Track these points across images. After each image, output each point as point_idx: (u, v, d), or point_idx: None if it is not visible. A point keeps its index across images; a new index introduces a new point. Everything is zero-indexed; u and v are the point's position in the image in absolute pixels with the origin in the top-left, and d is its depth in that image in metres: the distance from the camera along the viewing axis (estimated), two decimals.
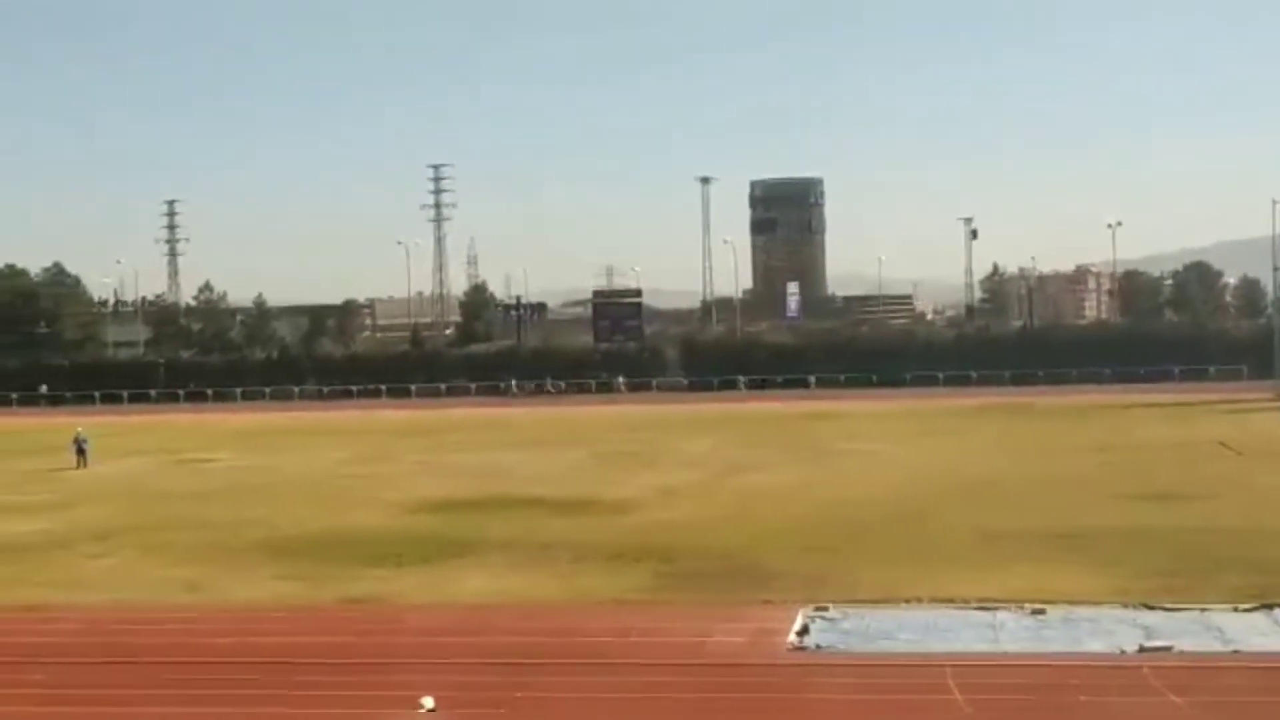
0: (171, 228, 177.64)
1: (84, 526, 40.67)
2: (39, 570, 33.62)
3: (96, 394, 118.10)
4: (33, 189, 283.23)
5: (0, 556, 35.65)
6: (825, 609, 26.29)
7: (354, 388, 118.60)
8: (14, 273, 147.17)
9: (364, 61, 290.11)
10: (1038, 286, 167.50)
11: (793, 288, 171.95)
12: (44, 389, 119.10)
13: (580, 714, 20.42)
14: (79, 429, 63.52)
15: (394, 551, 34.46)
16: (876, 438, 63.59)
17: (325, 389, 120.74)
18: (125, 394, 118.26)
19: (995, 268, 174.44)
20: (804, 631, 24.84)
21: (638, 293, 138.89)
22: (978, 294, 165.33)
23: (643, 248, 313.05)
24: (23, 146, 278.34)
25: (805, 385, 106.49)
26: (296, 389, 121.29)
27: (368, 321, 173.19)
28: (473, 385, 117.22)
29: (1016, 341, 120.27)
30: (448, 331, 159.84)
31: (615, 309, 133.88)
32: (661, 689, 21.67)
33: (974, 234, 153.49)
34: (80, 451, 60.00)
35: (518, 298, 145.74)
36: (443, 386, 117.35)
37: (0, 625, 27.31)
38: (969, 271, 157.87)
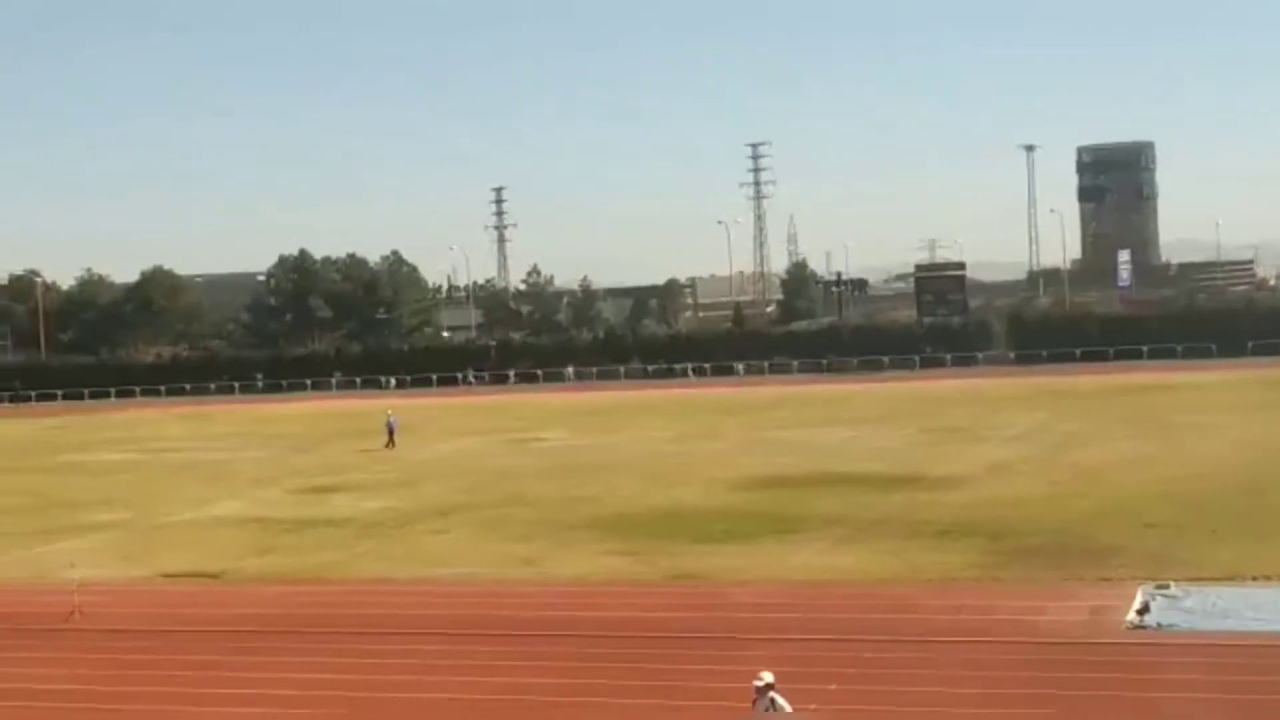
0: (500, 214, 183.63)
1: (425, 504, 42.27)
2: (387, 546, 35.13)
3: (433, 376, 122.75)
4: (373, 180, 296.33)
5: (353, 532, 37.41)
6: (1166, 586, 25.32)
7: (677, 366, 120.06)
8: (355, 262, 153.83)
9: (683, 44, 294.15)
10: None
11: (1124, 256, 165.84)
12: (392, 381, 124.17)
13: (911, 690, 20.16)
14: (389, 411, 66.13)
15: (721, 528, 34.72)
16: (1217, 410, 60.78)
17: (650, 368, 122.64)
18: (459, 376, 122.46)
19: None
20: (1144, 610, 23.98)
21: (961, 266, 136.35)
22: None
23: (966, 220, 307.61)
24: (361, 139, 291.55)
25: (1139, 357, 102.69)
26: (622, 369, 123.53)
27: (689, 301, 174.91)
28: (795, 363, 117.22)
29: None
30: (769, 310, 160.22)
31: (938, 283, 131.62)
32: (993, 666, 21.26)
33: None
34: (390, 432, 62.41)
35: (839, 274, 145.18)
36: (765, 364, 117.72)
37: (355, 598, 28.66)
38: None
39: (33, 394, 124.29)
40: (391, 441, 61.48)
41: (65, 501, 46.71)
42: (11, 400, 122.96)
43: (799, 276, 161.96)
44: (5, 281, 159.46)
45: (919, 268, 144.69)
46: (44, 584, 30.76)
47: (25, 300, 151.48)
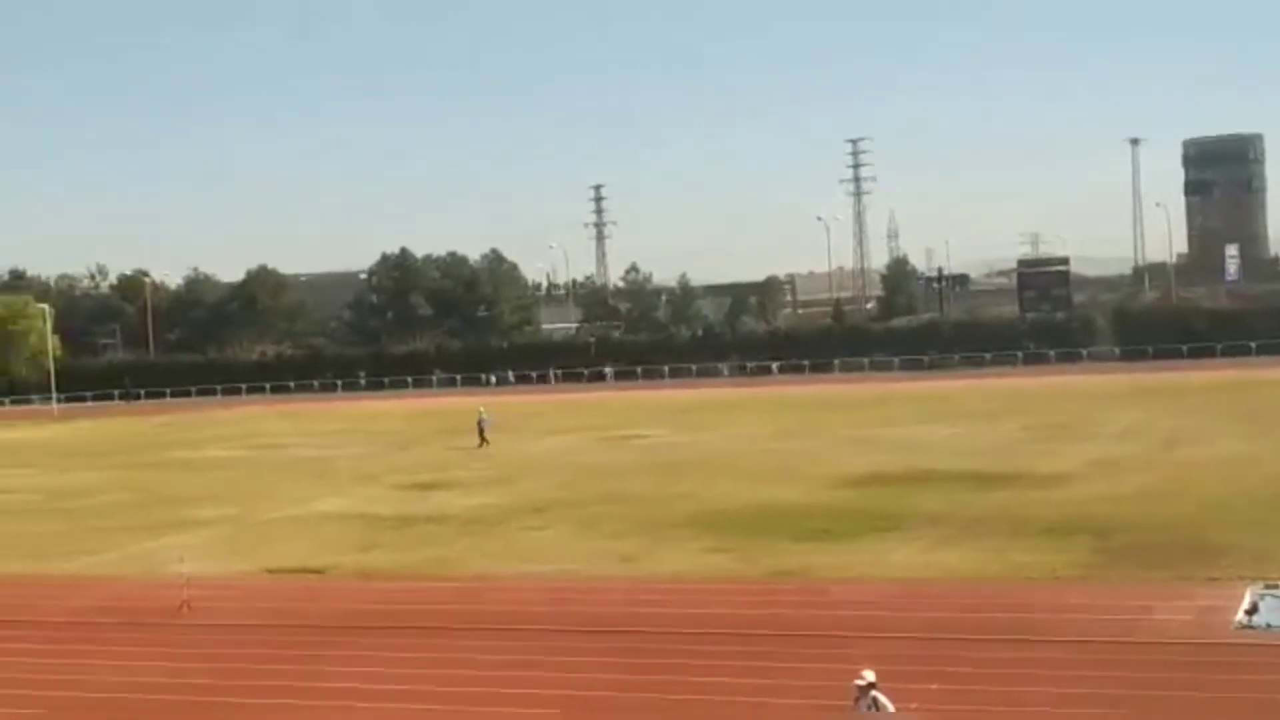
0: (599, 212, 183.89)
1: (524, 501, 42.50)
2: (487, 542, 35.37)
3: (533, 374, 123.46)
4: (472, 179, 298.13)
5: (453, 529, 37.71)
6: (1276, 586, 24.87)
7: (776, 363, 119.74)
8: (456, 260, 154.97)
9: (781, 40, 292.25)
10: None
11: (1232, 250, 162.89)
12: (493, 379, 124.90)
13: (1014, 689, 19.96)
14: (481, 409, 66.57)
15: (821, 526, 34.57)
16: None
17: (749, 365, 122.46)
18: (559, 373, 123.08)
19: None
20: (1253, 610, 23.55)
21: (1064, 260, 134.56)
22: None
23: (1069, 214, 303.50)
24: (459, 139, 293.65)
25: (1247, 353, 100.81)
26: (721, 366, 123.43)
27: (789, 298, 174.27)
28: (895, 359, 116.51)
29: None
30: (869, 306, 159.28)
31: (1041, 278, 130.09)
32: (1098, 666, 21.01)
33: None
34: (481, 430, 62.82)
35: (940, 269, 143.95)
36: (865, 361, 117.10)
37: (456, 594, 28.88)
38: None
39: (141, 392, 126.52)
40: (484, 439, 61.90)
41: (173, 497, 47.53)
42: (121, 398, 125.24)
43: (899, 272, 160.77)
44: (115, 282, 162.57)
45: (1022, 262, 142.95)
46: (154, 578, 31.29)
47: (134, 300, 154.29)
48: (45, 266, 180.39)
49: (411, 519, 39.78)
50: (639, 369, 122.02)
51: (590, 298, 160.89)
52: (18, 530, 41.54)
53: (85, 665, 23.78)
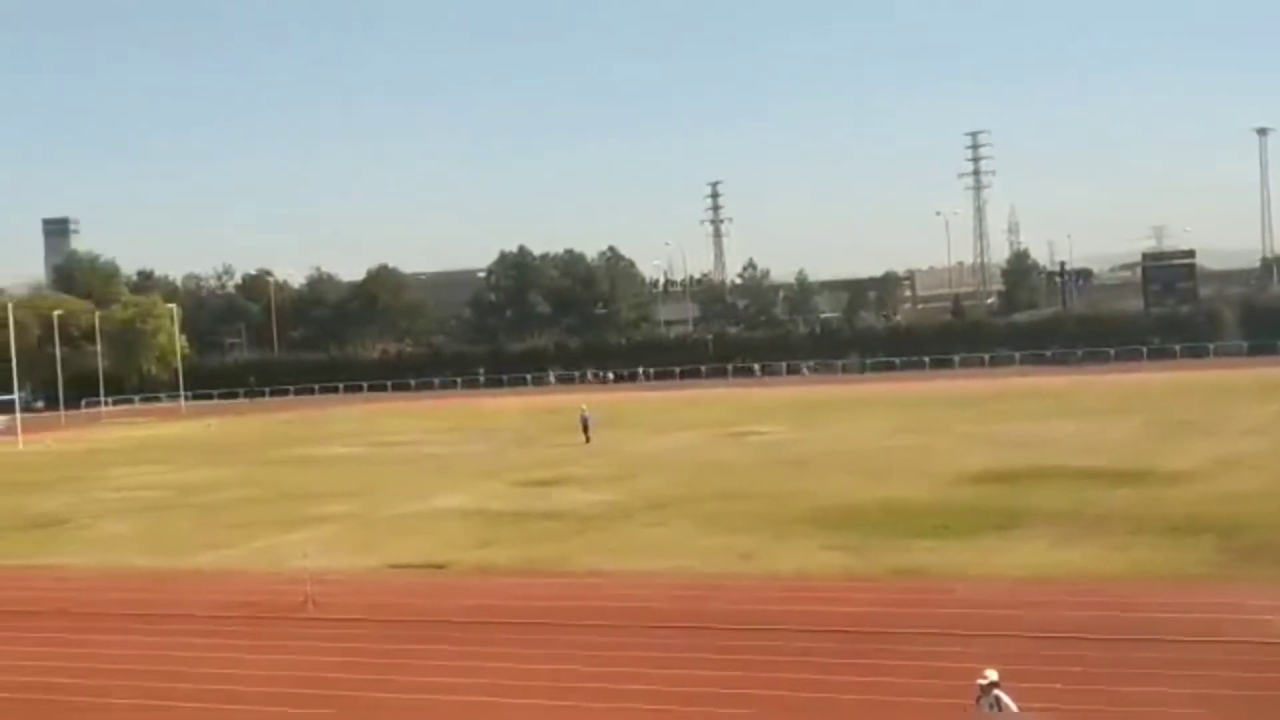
0: (716, 209, 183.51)
1: (643, 497, 42.62)
2: (606, 538, 35.49)
3: (650, 370, 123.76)
4: (590, 177, 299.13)
5: (572, 525, 37.90)
6: None
7: (896, 359, 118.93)
8: (573, 258, 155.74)
9: (898, 34, 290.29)
10: None
11: None
12: (610, 376, 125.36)
13: (1138, 690, 19.65)
14: (584, 406, 66.82)
15: (941, 523, 34.28)
16: None
17: (867, 361, 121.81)
18: (677, 370, 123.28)
19: None
20: None
21: (1190, 254, 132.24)
22: None
23: (1194, 207, 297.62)
24: (576, 137, 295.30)
25: None
26: (839, 362, 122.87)
27: (908, 293, 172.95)
28: (1016, 354, 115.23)
29: None
30: (990, 301, 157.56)
31: (1166, 271, 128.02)
32: (1223, 667, 20.61)
33: None
34: (585, 427, 63.02)
35: (1062, 264, 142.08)
36: (986, 357, 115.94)
37: (576, 590, 29.02)
38: None
39: (266, 389, 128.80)
40: (588, 436, 62.17)
41: (298, 494, 48.30)
42: (246, 395, 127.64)
43: (1020, 267, 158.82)
44: (240, 281, 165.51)
45: (1146, 256, 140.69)
46: (279, 573, 31.81)
47: (258, 299, 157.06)
48: (173, 267, 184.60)
49: (531, 515, 40.06)
50: (756, 365, 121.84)
51: (707, 294, 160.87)
52: (148, 526, 42.48)
53: (211, 659, 24.21)
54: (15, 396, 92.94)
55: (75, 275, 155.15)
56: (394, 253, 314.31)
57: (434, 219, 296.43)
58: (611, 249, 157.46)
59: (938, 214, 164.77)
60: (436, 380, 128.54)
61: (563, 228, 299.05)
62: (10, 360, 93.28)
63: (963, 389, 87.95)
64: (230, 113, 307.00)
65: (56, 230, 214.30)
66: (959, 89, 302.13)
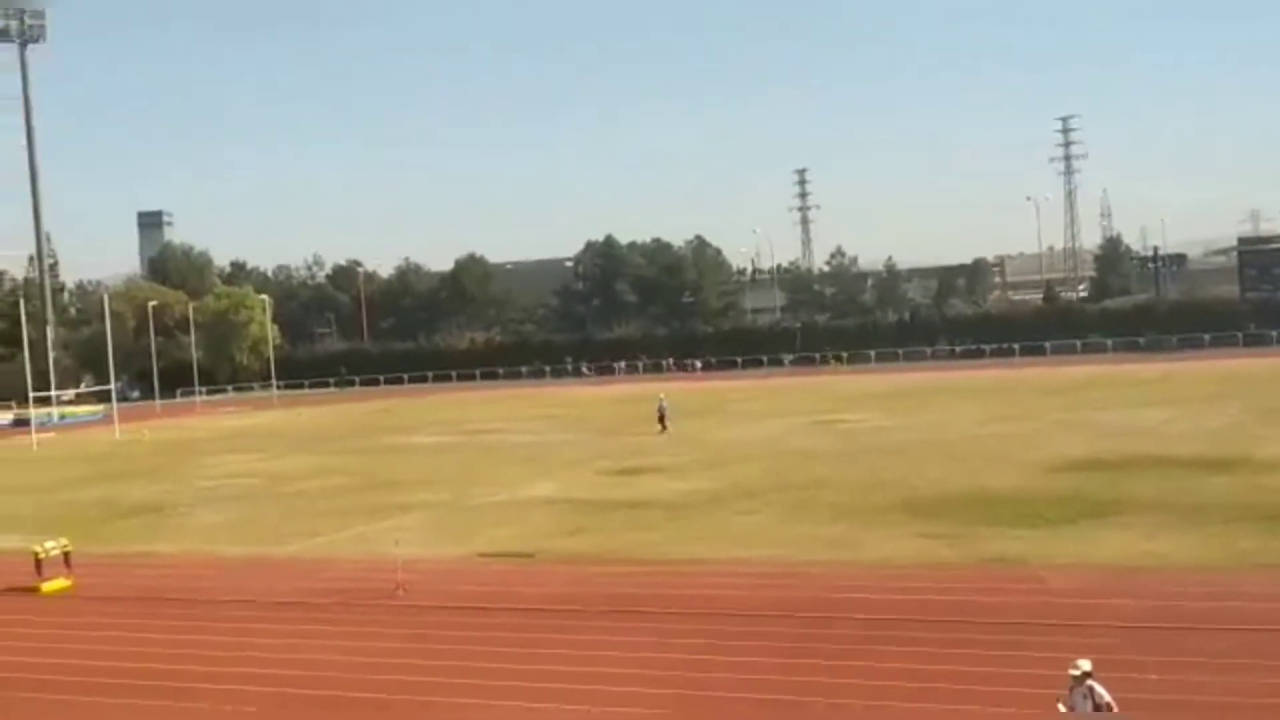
0: (803, 196, 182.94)
1: (731, 486, 42.54)
2: (694, 527, 35.45)
3: (737, 359, 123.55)
4: (676, 165, 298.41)
5: (661, 513, 37.89)
6: None
7: (986, 346, 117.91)
8: (660, 246, 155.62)
9: (990, 19, 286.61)
10: None
11: None
12: (698, 365, 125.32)
13: (1236, 680, 19.31)
14: (661, 395, 66.79)
15: (1034, 511, 33.94)
16: None
17: (957, 348, 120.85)
18: (764, 358, 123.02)
19: None
20: None
21: None
22: None
23: None
24: (664, 125, 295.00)
25: None
26: (928, 349, 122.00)
27: (997, 280, 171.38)
28: (1109, 341, 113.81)
29: None
30: (1081, 287, 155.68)
31: (1263, 256, 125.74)
32: None
33: None
34: (662, 417, 63.01)
35: (1155, 249, 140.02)
36: (1078, 343, 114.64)
37: (665, 579, 28.99)
38: None
39: (356, 379, 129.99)
40: (664, 425, 62.19)
41: (388, 482, 48.70)
42: (337, 385, 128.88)
43: (1113, 252, 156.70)
44: (330, 272, 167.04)
45: (1242, 240, 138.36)
46: (370, 561, 32.10)
47: (348, 289, 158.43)
48: (264, 258, 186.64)
49: (619, 504, 40.11)
50: (845, 354, 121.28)
51: (795, 282, 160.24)
52: (243, 514, 43.03)
53: (306, 645, 24.48)
54: (112, 387, 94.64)
55: (169, 267, 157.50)
56: (481, 242, 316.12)
57: (521, 208, 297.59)
58: (698, 237, 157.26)
59: (1028, 199, 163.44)
60: (524, 369, 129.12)
61: (650, 216, 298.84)
62: (107, 351, 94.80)
63: (1054, 376, 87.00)
64: (320, 105, 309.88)
65: (151, 223, 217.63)
66: (1051, 72, 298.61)
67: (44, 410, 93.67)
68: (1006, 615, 23.74)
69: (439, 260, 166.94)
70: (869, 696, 19.65)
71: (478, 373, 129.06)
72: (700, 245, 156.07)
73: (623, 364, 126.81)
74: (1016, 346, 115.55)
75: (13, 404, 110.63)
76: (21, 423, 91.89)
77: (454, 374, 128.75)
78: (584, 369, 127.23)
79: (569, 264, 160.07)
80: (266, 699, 21.22)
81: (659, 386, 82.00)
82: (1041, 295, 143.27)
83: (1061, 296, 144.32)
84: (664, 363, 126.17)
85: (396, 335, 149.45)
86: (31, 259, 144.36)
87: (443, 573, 30.71)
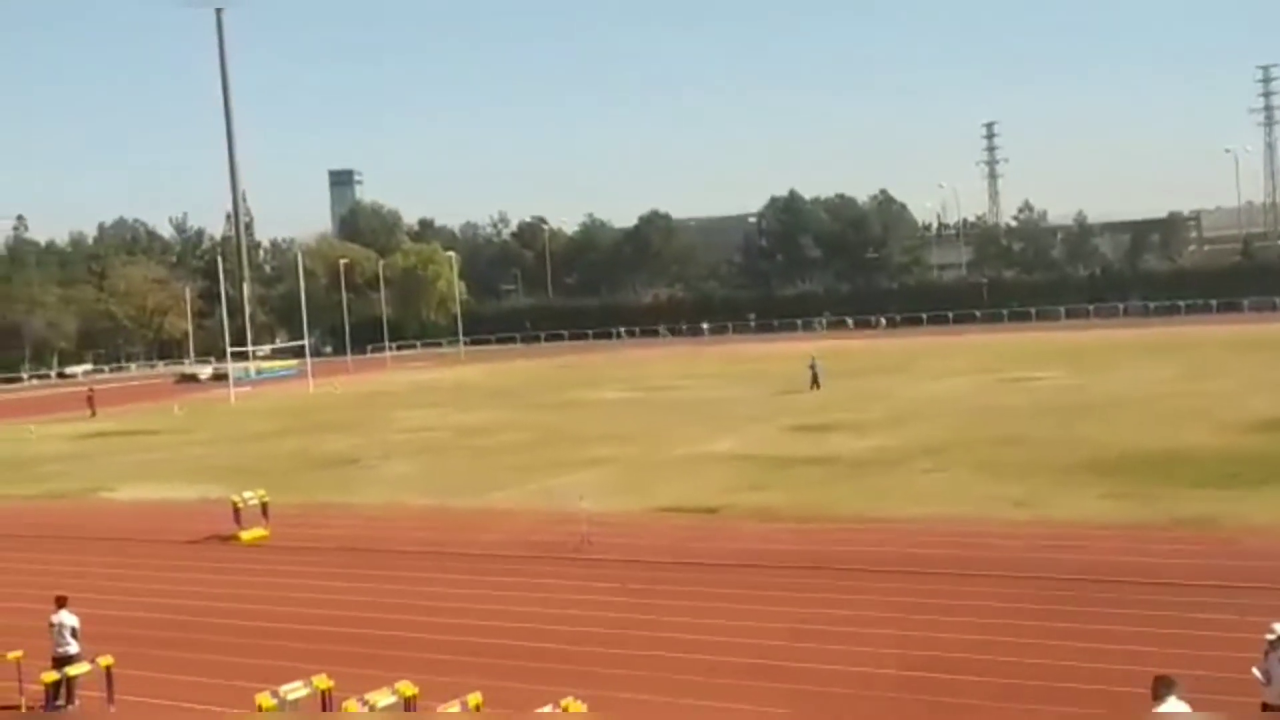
0: (991, 149, 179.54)
1: (916, 443, 42.20)
2: (878, 484, 35.26)
3: (923, 315, 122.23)
4: (860, 119, 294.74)
5: (844, 470, 37.82)
6: None
7: (1181, 303, 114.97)
8: (844, 201, 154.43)
9: None
10: None
11: None
12: (882, 321, 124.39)
13: None
14: (814, 355, 66.33)
15: (1230, 471, 33.10)
16: None
17: (1151, 305, 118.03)
18: (950, 315, 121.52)
19: None
20: None
21: None
22: None
23: None
24: (845, 78, 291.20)
25: None
26: (1121, 306, 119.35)
27: (1193, 234, 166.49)
28: None
29: None
30: None
31: None
32: None
33: None
34: (815, 377, 62.64)
35: None
36: (1277, 300, 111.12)
37: (849, 535, 28.97)
38: None
39: (541, 334, 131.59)
40: (816, 384, 61.97)
41: (573, 436, 49.31)
42: (522, 340, 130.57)
43: None
44: (515, 229, 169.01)
45: None
46: (556, 514, 32.53)
47: (533, 246, 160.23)
48: (451, 216, 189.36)
49: (801, 460, 40.07)
50: (1033, 310, 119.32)
51: (982, 237, 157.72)
52: (432, 466, 43.96)
53: (502, 596, 24.95)
54: (306, 341, 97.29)
55: (360, 224, 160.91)
56: (665, 198, 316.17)
57: (704, 164, 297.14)
58: (883, 191, 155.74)
59: (1227, 151, 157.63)
60: (707, 325, 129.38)
61: (833, 171, 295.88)
62: (301, 307, 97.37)
63: (1252, 333, 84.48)
64: (502, 66, 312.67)
65: (342, 181, 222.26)
66: (1249, 19, 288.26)
67: (241, 365, 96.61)
68: (1196, 577, 23.20)
69: (623, 217, 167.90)
70: (1049, 655, 19.38)
71: (660, 328, 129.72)
72: (885, 200, 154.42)
73: (803, 321, 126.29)
74: (1213, 303, 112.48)
75: (211, 359, 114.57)
76: (220, 377, 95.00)
77: (637, 330, 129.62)
78: (752, 324, 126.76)
79: (752, 220, 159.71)
80: (474, 647, 21.63)
81: (842, 344, 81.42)
82: (1239, 250, 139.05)
83: (1260, 252, 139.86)
84: (846, 320, 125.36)
85: (580, 291, 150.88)
86: (228, 218, 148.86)
87: (628, 526, 31.01)
